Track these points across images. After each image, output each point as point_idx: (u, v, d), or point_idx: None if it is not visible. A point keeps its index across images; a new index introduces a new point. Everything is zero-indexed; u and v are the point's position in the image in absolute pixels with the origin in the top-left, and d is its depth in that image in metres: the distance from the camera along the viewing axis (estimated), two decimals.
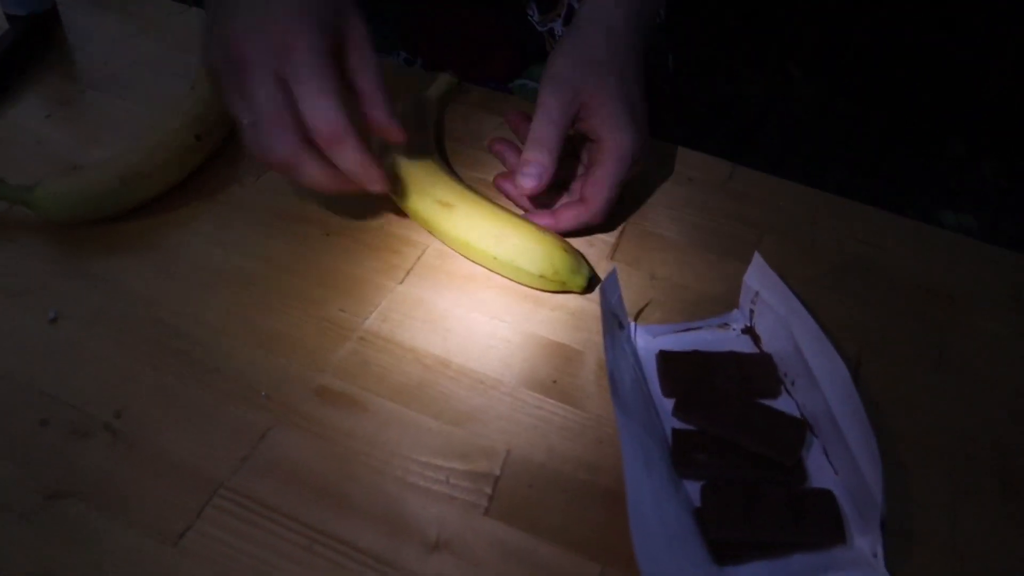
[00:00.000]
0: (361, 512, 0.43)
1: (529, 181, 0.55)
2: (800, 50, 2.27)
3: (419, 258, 0.56)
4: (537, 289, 0.55)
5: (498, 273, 0.55)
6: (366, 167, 0.50)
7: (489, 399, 0.49)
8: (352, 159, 0.50)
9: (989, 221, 1.89)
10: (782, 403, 0.51)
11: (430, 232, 0.58)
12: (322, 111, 0.48)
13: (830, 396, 0.47)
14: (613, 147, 0.56)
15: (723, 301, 0.56)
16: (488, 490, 0.44)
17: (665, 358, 0.51)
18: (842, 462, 0.46)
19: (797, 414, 0.50)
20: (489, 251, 0.54)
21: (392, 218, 0.59)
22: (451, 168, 0.61)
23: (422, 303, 0.54)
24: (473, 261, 0.56)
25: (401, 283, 0.55)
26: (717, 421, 0.47)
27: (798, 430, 0.48)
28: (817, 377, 0.48)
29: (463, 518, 0.43)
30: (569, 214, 0.57)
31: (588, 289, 0.55)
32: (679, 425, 0.48)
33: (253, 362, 0.49)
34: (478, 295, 0.54)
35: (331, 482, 0.44)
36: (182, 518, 0.42)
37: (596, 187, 0.56)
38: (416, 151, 0.58)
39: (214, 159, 0.62)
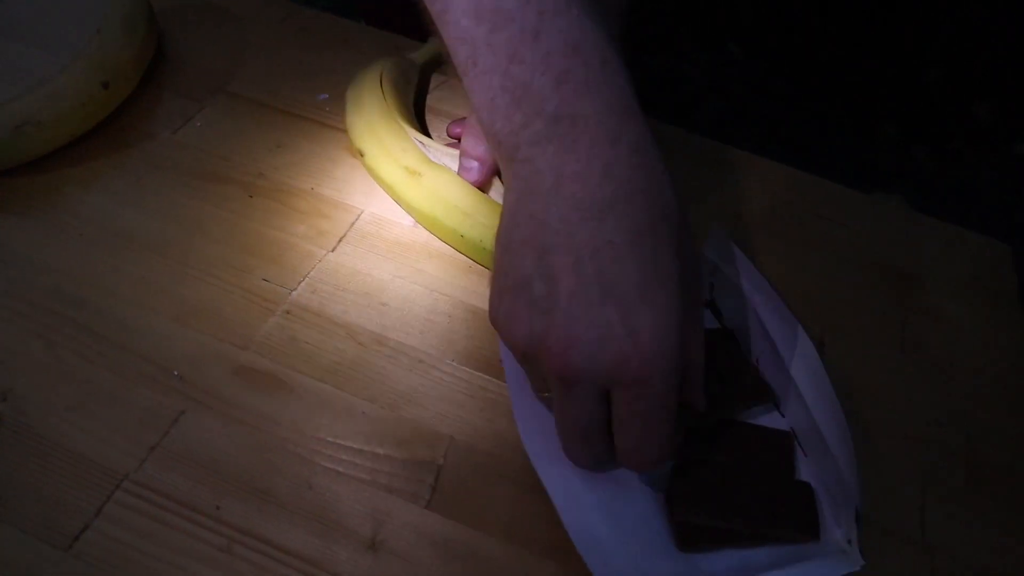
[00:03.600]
0: (287, 508, 0.38)
1: (467, 175, 0.49)
2: (740, 29, 2.25)
3: (353, 224, 0.51)
4: None
5: (466, 255, 0.50)
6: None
7: (430, 380, 0.44)
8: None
9: (919, 204, 1.92)
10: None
11: (397, 203, 0.52)
12: (657, 448, 0.37)
13: (797, 377, 0.44)
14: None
15: None
16: (430, 481, 0.40)
17: None
18: (812, 446, 0.43)
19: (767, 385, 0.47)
20: (457, 228, 0.49)
21: (323, 180, 0.54)
22: (429, 137, 0.55)
23: (356, 273, 0.49)
24: (440, 239, 0.51)
25: (332, 251, 0.50)
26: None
27: (787, 444, 0.44)
28: (783, 357, 0.45)
29: (402, 513, 0.39)
30: None
31: None
32: None
33: (165, 337, 0.44)
34: (418, 265, 0.50)
35: (253, 474, 0.39)
36: (78, 517, 0.36)
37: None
38: (392, 115, 0.53)
39: (124, 110, 0.56)
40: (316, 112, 0.58)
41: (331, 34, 0.65)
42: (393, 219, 0.52)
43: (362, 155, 0.52)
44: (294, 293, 0.47)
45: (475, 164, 0.48)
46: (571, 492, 0.39)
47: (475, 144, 0.48)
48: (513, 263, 0.35)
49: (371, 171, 0.52)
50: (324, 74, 0.61)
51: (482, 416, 0.43)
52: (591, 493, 0.39)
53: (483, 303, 0.48)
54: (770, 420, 0.46)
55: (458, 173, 0.49)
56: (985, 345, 0.53)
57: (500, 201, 0.49)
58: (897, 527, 0.43)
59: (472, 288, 0.49)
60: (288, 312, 0.46)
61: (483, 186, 0.49)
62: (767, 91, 2.40)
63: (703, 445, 0.43)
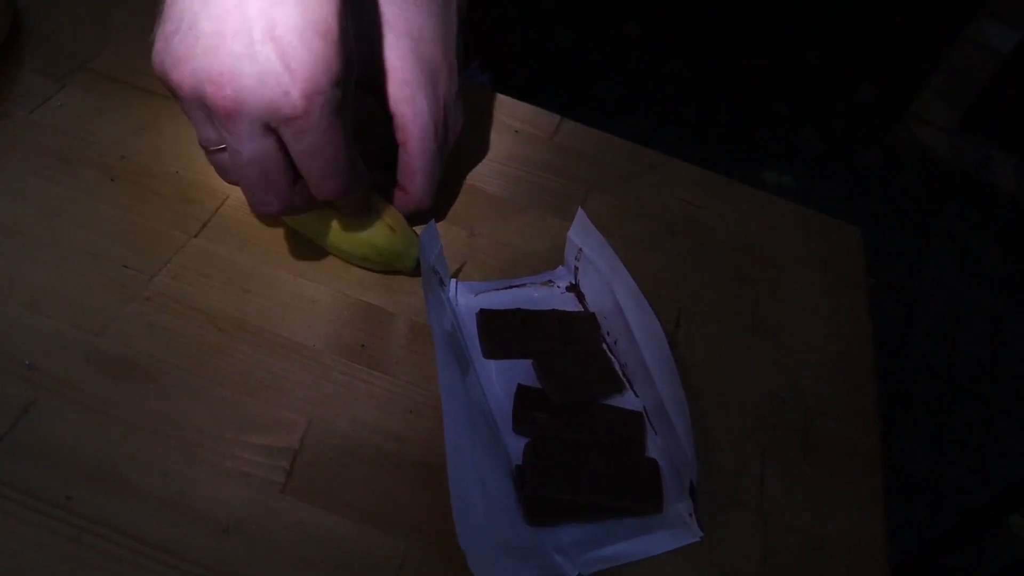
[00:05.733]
0: (141, 496, 0.38)
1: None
2: (640, 9, 2.29)
3: (218, 209, 0.51)
4: (368, 269, 0.51)
5: (319, 244, 0.50)
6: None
7: (290, 365, 0.45)
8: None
9: (806, 181, 2.00)
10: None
11: None
12: (340, 176, 0.41)
13: (648, 357, 0.46)
14: (410, 124, 0.49)
15: (546, 259, 0.54)
16: (286, 465, 0.41)
17: (486, 317, 0.49)
18: (660, 423, 0.46)
19: (620, 373, 0.49)
20: (310, 231, 0.49)
21: (188, 163, 0.53)
22: None
23: (219, 259, 0.49)
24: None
25: (196, 236, 0.49)
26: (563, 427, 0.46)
27: (638, 423, 0.47)
28: (636, 338, 0.47)
29: (258, 498, 0.39)
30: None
31: (420, 270, 0.50)
32: (525, 382, 0.46)
33: (16, 325, 0.43)
34: (283, 250, 0.50)
35: (106, 463, 0.39)
36: None
37: (408, 174, 0.50)
38: None
39: None
40: None
41: None
42: None
43: None
44: (155, 279, 0.47)
45: None
46: (459, 461, 0.40)
47: None
48: (181, 5, 0.38)
49: None
50: None
51: (340, 401, 0.44)
52: (472, 463, 0.41)
53: (347, 289, 0.49)
54: (625, 400, 0.48)
55: None
56: (828, 324, 0.57)
57: None
58: (737, 498, 0.46)
59: (335, 273, 0.50)
60: (148, 298, 0.46)
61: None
62: (665, 70, 2.46)
63: (558, 424, 0.45)
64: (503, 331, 0.49)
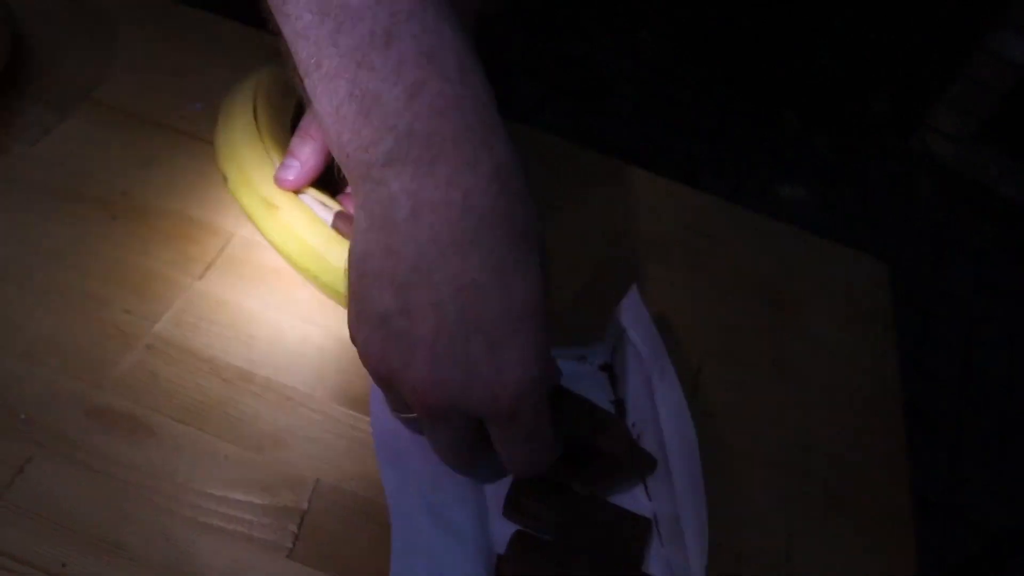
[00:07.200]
0: (140, 562, 0.37)
1: (284, 173, 0.45)
2: (652, 17, 2.27)
3: (223, 249, 0.49)
4: None
5: (323, 293, 0.48)
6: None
7: (298, 418, 0.43)
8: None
9: (820, 194, 1.98)
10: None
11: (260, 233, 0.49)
12: (543, 459, 0.38)
13: (673, 465, 0.42)
14: None
15: (580, 327, 0.52)
16: (293, 528, 0.39)
17: None
18: (671, 534, 0.42)
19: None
20: (310, 269, 0.46)
21: (193, 200, 0.51)
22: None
23: (224, 304, 0.47)
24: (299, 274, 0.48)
25: (200, 279, 0.48)
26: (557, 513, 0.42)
27: (643, 530, 0.42)
28: (666, 442, 0.43)
29: (263, 563, 0.38)
30: None
31: None
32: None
33: (11, 376, 0.41)
34: (290, 294, 0.48)
35: (105, 526, 0.37)
36: None
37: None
38: (259, 138, 0.48)
39: None
40: (189, 124, 0.56)
41: (213, 37, 0.62)
42: (265, 244, 0.50)
43: (226, 180, 0.49)
44: (157, 326, 0.45)
45: (295, 164, 0.45)
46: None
47: (301, 144, 0.45)
48: (370, 294, 0.34)
49: (234, 198, 0.49)
50: (202, 81, 0.59)
51: (350, 456, 0.42)
52: (425, 565, 0.38)
53: None
54: (634, 499, 0.44)
55: (276, 173, 0.46)
56: (854, 367, 0.55)
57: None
58: (761, 555, 0.44)
59: (343, 319, 0.47)
60: (149, 347, 0.44)
61: (300, 188, 0.46)
62: (675, 80, 2.44)
63: (552, 517, 0.41)
64: None
